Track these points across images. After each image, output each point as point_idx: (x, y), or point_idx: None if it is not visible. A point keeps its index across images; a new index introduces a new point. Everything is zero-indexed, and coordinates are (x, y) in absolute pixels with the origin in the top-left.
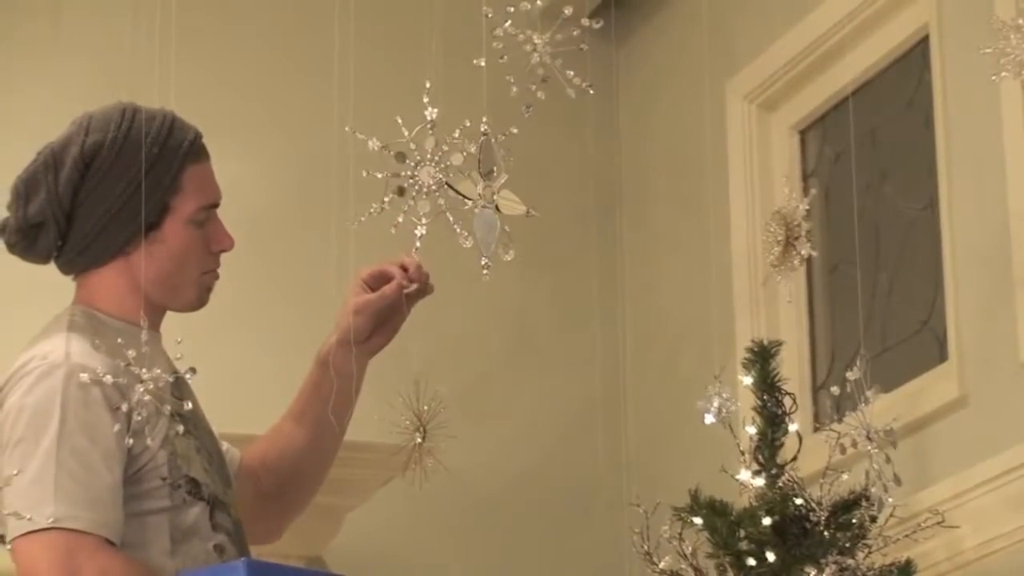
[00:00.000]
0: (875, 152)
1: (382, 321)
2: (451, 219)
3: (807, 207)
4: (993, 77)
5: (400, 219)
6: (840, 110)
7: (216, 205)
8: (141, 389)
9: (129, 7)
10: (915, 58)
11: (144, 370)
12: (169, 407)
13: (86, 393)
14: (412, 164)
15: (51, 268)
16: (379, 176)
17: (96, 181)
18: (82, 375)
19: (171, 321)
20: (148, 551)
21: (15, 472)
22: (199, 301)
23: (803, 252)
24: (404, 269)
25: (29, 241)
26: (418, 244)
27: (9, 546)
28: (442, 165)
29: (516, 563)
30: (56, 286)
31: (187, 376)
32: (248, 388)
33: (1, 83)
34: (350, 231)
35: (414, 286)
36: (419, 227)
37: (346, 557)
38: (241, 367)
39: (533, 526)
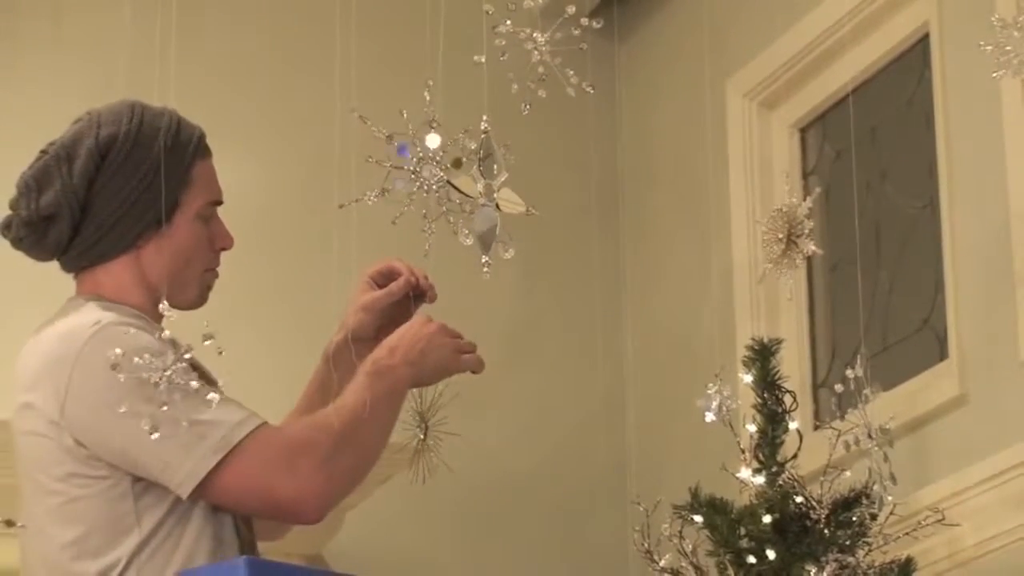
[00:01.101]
0: (875, 150)
1: (389, 319)
2: (451, 220)
3: (810, 205)
4: (994, 75)
5: (399, 214)
6: (840, 108)
7: (220, 203)
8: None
9: (129, 6)
10: (915, 56)
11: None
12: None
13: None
14: (414, 160)
15: (46, 271)
16: (386, 166)
17: (111, 173)
18: (165, 333)
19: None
20: (188, 524)
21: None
22: (200, 299)
23: (806, 250)
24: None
25: (39, 235)
26: (429, 244)
27: (188, 493)
28: (444, 165)
29: (517, 562)
30: (52, 289)
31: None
32: (249, 386)
33: (3, 82)
34: (353, 232)
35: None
36: (428, 224)
37: (346, 555)
38: (242, 364)
39: (534, 525)
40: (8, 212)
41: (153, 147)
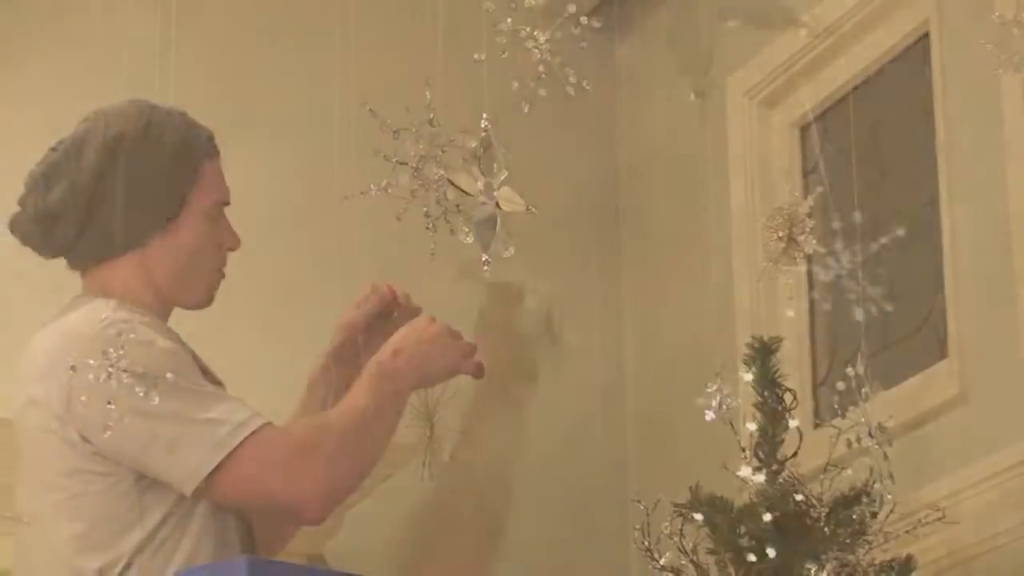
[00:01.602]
0: (875, 149)
1: (370, 337)
2: (448, 220)
3: (811, 204)
4: (994, 72)
5: (403, 209)
6: (841, 107)
7: (227, 203)
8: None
9: (130, 5)
10: (916, 55)
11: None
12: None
13: (172, 341)
14: (416, 157)
15: (52, 268)
16: (391, 160)
17: (120, 170)
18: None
19: (174, 318)
20: (191, 523)
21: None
22: (207, 299)
23: (807, 249)
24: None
25: (46, 231)
26: (435, 243)
27: (191, 491)
28: (443, 163)
29: (518, 561)
30: (58, 286)
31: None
32: (251, 384)
33: (3, 81)
34: (354, 232)
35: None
36: (431, 223)
37: (346, 555)
38: (245, 363)
39: (534, 523)
40: (16, 210)
41: (160, 146)
